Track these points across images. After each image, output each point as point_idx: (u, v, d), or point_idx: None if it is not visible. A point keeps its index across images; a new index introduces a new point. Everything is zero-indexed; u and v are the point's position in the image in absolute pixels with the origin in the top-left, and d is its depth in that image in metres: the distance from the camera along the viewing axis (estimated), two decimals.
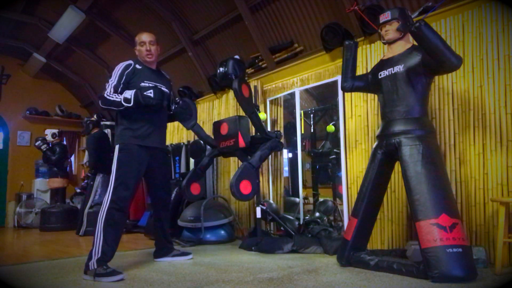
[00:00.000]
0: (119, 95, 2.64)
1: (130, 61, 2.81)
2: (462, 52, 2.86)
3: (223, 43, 4.99)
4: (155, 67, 2.95)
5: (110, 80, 2.70)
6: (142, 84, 2.77)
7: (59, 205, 5.92)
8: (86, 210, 5.13)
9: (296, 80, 4.16)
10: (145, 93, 2.65)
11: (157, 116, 2.85)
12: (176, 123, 5.28)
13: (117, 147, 2.73)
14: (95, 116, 5.82)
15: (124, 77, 2.72)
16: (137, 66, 2.81)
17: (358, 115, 3.49)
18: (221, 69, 3.56)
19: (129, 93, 2.62)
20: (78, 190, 6.80)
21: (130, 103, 2.60)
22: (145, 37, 2.87)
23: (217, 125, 3.80)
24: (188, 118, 3.15)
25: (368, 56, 3.43)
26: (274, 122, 4.42)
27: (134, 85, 2.74)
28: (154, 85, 2.77)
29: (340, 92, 3.57)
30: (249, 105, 3.51)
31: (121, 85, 2.70)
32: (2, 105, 7.17)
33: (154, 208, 3.13)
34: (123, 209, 2.63)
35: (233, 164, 4.70)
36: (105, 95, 2.64)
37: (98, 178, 5.27)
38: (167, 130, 3.12)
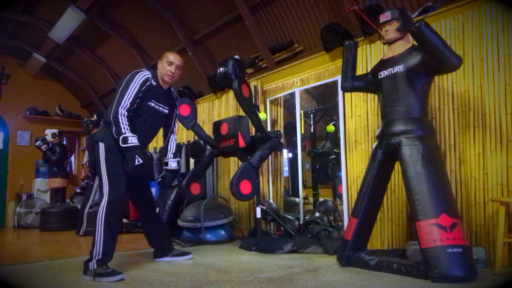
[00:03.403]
0: (127, 125, 2.53)
1: (148, 75, 2.70)
2: (462, 52, 2.86)
3: (223, 43, 4.98)
4: (167, 87, 2.88)
5: (127, 90, 2.59)
6: (149, 103, 2.72)
7: (59, 205, 5.92)
8: (86, 210, 5.13)
9: (296, 80, 4.16)
10: (136, 157, 2.49)
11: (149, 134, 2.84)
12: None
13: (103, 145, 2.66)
14: (95, 116, 5.82)
15: (140, 93, 2.65)
16: (153, 83, 2.73)
17: (358, 115, 3.49)
18: (221, 69, 3.57)
19: (130, 140, 2.51)
20: (78, 190, 6.79)
21: (121, 144, 2.50)
22: (174, 58, 2.78)
23: (217, 125, 3.80)
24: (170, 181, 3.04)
25: (368, 56, 3.43)
26: (274, 122, 4.42)
27: (142, 103, 2.68)
28: (142, 162, 2.53)
29: (340, 92, 3.57)
30: (249, 105, 3.52)
31: (135, 104, 2.63)
32: (2, 105, 7.15)
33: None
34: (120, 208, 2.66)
35: (233, 164, 4.70)
36: (119, 113, 2.53)
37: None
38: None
